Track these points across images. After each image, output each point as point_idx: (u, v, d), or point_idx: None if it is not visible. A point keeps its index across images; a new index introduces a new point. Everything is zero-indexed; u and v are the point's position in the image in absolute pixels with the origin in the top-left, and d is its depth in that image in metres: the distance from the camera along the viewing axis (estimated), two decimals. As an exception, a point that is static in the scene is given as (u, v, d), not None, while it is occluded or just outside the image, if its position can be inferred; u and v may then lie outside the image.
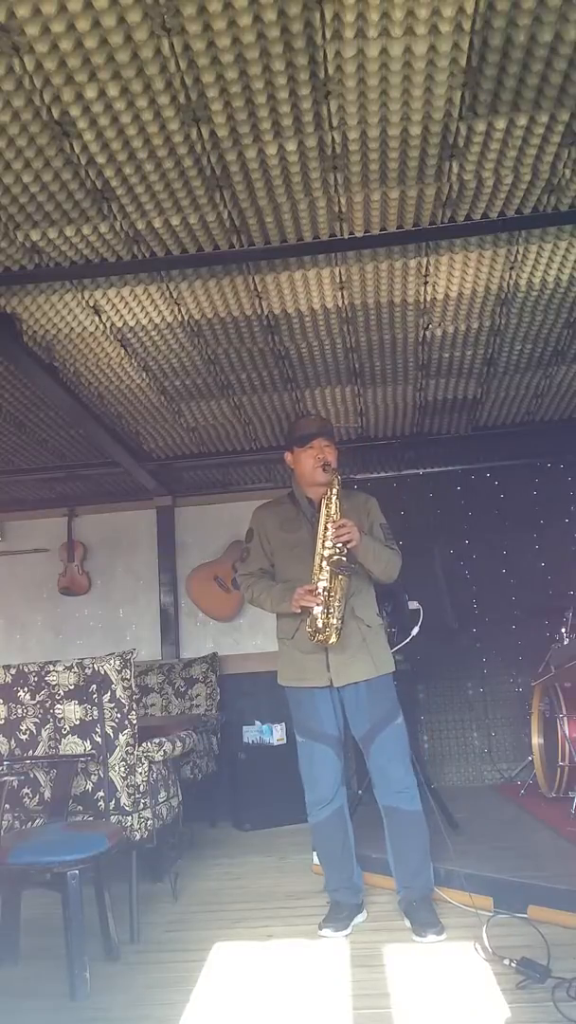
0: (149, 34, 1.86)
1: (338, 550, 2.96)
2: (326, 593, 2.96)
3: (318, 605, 2.95)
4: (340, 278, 3.12)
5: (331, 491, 3.04)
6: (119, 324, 3.35)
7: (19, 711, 3.32)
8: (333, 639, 2.97)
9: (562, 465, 5.59)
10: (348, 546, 2.96)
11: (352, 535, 2.97)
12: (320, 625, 2.96)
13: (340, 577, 2.97)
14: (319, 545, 3.00)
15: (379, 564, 3.11)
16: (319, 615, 2.96)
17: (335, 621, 2.97)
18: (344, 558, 2.95)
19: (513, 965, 2.44)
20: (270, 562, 3.25)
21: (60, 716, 3.26)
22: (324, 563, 2.97)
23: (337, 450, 3.20)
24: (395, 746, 3.05)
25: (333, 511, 3.02)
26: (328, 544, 2.98)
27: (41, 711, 3.29)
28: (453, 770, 5.43)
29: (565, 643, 4.52)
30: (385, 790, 3.05)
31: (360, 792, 3.98)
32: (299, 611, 3.00)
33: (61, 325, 3.32)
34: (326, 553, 2.97)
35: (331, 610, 2.96)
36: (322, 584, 2.96)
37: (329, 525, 2.99)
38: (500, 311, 3.45)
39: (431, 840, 3.09)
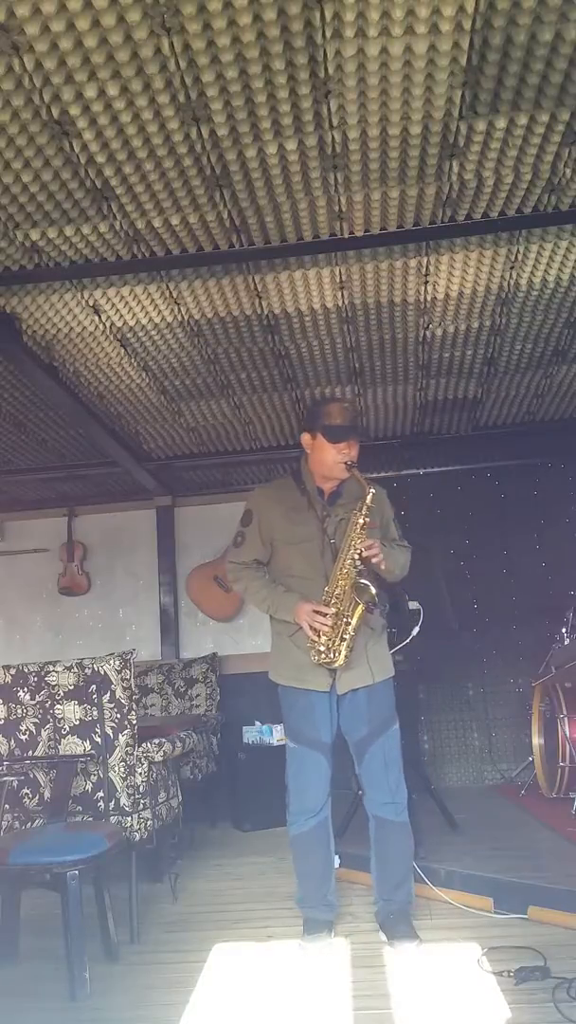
0: (149, 33, 1.86)
1: (360, 572, 2.77)
2: (343, 620, 2.80)
3: (328, 627, 2.80)
4: (340, 278, 3.11)
5: (363, 508, 2.83)
6: (119, 324, 3.35)
7: (19, 711, 3.31)
8: (340, 663, 2.82)
9: (563, 465, 5.59)
10: (373, 564, 2.78)
11: (380, 558, 2.79)
12: (324, 648, 2.82)
13: (359, 608, 2.79)
14: (341, 564, 2.83)
15: (396, 571, 2.99)
16: (325, 636, 2.81)
17: (345, 648, 2.81)
18: (369, 585, 2.75)
19: (511, 975, 2.43)
20: (267, 552, 3.03)
21: (60, 716, 3.25)
22: (348, 589, 2.79)
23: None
24: (390, 754, 2.92)
25: (360, 528, 2.82)
26: (351, 564, 2.79)
27: (41, 711, 3.29)
28: (453, 770, 5.42)
29: (566, 643, 4.51)
30: (376, 799, 2.92)
31: (361, 792, 3.96)
32: (308, 630, 2.83)
33: (61, 325, 3.32)
34: (352, 576, 2.79)
35: (344, 636, 2.81)
36: (335, 608, 2.80)
37: (354, 546, 2.80)
38: (500, 311, 3.45)
39: (432, 842, 3.06)
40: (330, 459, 2.89)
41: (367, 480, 2.88)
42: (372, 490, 2.85)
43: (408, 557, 3.08)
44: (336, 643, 2.82)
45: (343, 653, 2.82)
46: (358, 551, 2.80)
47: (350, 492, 2.94)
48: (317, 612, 2.82)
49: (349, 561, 2.82)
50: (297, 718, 2.96)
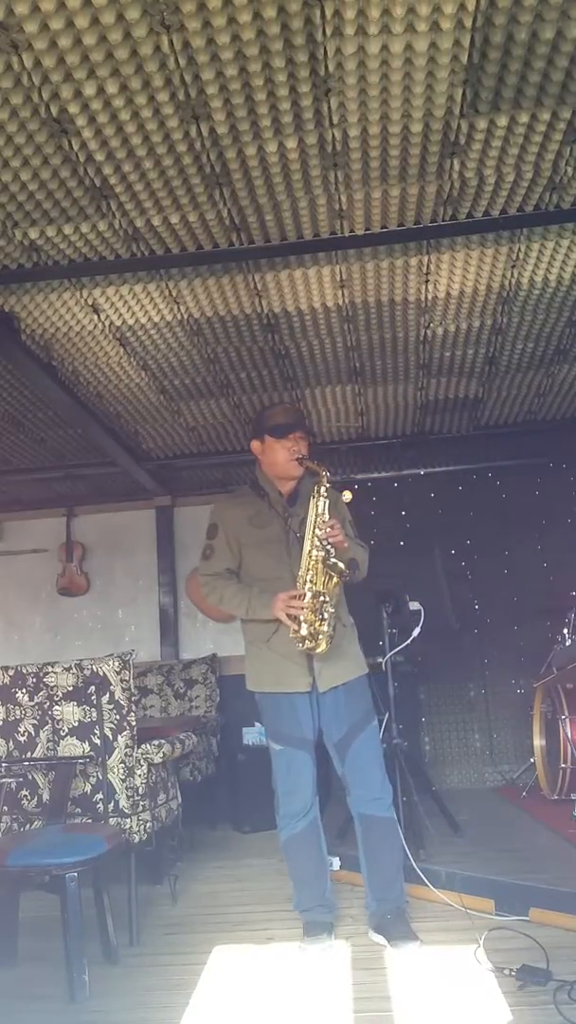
0: (148, 31, 1.85)
1: (327, 552, 2.79)
2: (320, 599, 2.80)
3: (304, 610, 2.78)
4: (340, 276, 3.10)
5: (320, 488, 2.85)
6: (118, 323, 3.34)
7: (17, 712, 3.30)
8: (323, 647, 2.81)
9: (564, 465, 5.58)
10: (334, 544, 2.80)
11: (342, 536, 2.83)
12: (306, 633, 2.79)
13: (334, 581, 2.82)
14: (308, 546, 2.83)
15: (360, 564, 2.99)
16: (306, 623, 2.79)
17: (327, 628, 2.80)
18: (338, 561, 2.78)
19: (512, 974, 2.42)
20: (237, 560, 3.04)
21: (58, 718, 3.24)
22: (319, 566, 2.80)
23: (309, 442, 3.04)
24: (372, 751, 2.93)
25: (321, 510, 2.84)
26: (318, 545, 2.80)
27: (39, 712, 3.27)
28: (454, 772, 5.42)
29: (567, 644, 4.51)
30: (361, 797, 2.91)
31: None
32: (286, 620, 2.81)
33: (60, 324, 3.31)
34: (320, 555, 2.80)
35: (324, 616, 2.80)
36: (310, 591, 2.80)
37: (318, 529, 2.82)
38: (501, 310, 3.44)
39: (433, 843, 3.05)
40: (282, 458, 2.97)
41: (319, 464, 2.91)
42: (326, 472, 2.88)
43: (366, 556, 3.07)
44: (317, 625, 2.80)
45: (326, 634, 2.81)
46: (322, 530, 2.82)
47: (308, 491, 2.94)
48: (293, 598, 2.81)
49: (317, 542, 2.83)
50: (281, 720, 2.96)
